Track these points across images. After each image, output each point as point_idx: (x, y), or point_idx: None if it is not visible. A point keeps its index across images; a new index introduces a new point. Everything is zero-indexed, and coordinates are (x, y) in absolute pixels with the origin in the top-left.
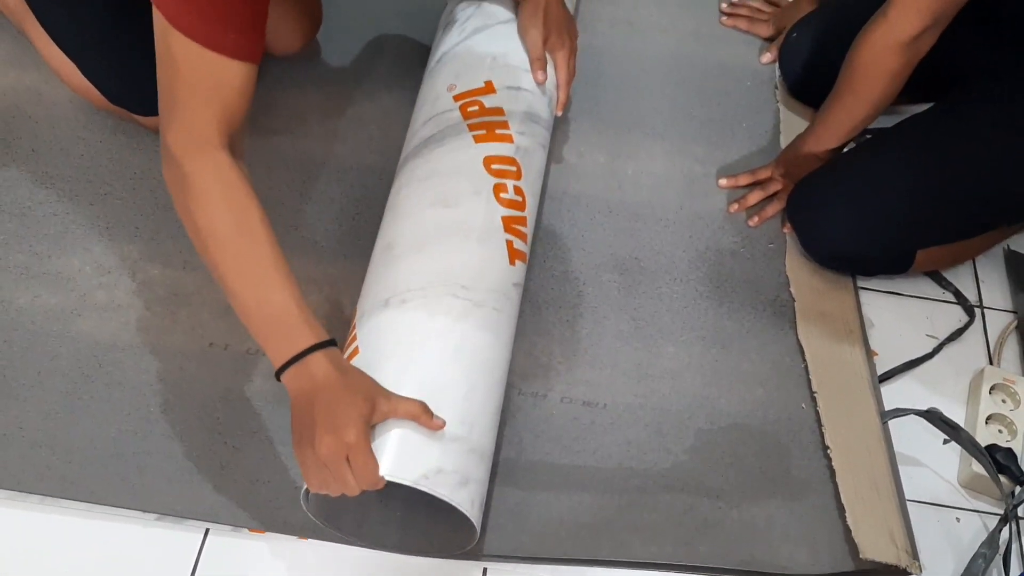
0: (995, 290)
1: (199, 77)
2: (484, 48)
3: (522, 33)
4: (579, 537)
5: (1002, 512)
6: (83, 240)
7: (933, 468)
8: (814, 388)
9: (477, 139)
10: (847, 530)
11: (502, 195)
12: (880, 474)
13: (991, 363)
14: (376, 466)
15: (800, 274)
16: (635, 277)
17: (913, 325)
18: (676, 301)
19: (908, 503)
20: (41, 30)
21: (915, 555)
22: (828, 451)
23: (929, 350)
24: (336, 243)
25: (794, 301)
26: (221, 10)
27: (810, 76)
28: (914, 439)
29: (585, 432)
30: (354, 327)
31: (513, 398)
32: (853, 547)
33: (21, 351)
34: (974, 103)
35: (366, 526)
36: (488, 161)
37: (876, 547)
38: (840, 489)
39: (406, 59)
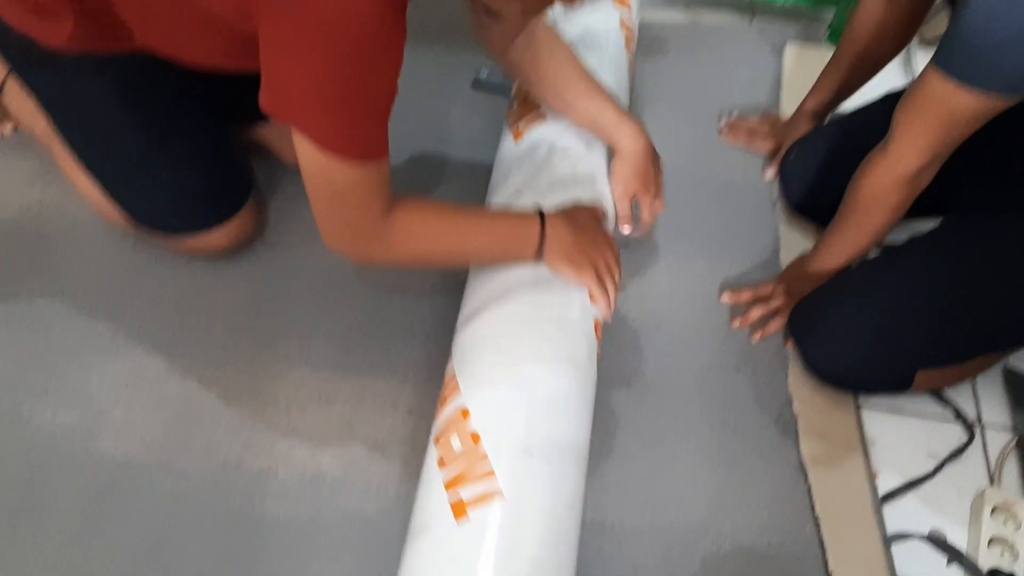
0: (994, 407)
1: (369, 183)
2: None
3: (612, 185)
4: None
5: None
6: (102, 356)
7: None
8: (817, 512)
9: None
10: None
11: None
12: None
13: (992, 482)
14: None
15: (802, 391)
16: (641, 394)
17: (914, 444)
18: (680, 419)
19: None
20: (67, 154)
21: None
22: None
23: (930, 469)
24: (345, 358)
25: (797, 419)
26: (376, 130)
27: (809, 197)
28: (918, 560)
29: (592, 559)
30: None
31: None
32: None
33: (39, 470)
34: (978, 225)
35: None
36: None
37: None
38: None
39: (427, 164)
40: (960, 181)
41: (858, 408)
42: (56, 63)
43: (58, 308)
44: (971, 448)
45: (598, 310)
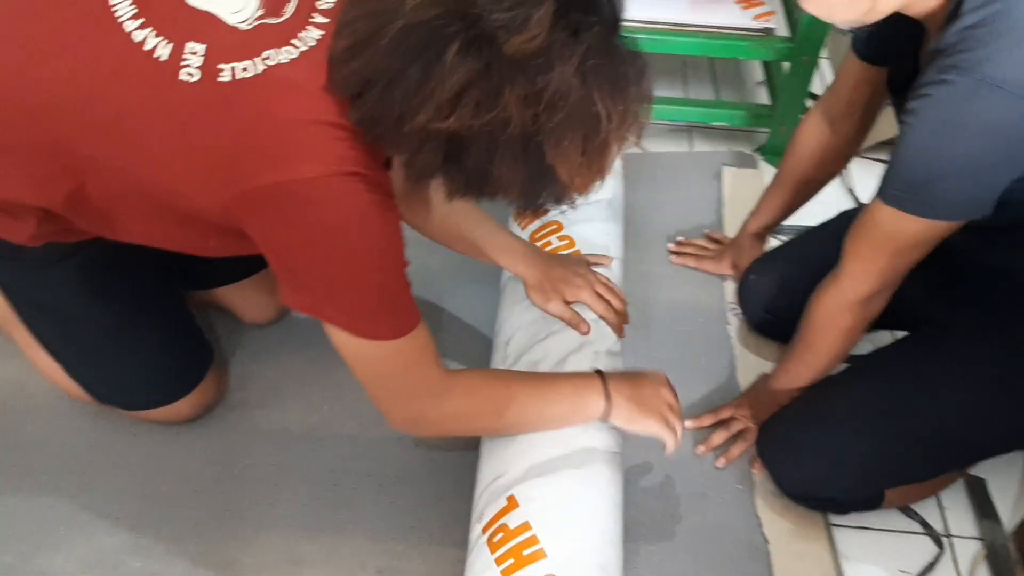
0: (960, 517)
1: (415, 351)
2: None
3: (543, 308)
4: None
5: None
6: (66, 535)
7: None
8: None
9: None
10: None
11: None
12: None
13: None
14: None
15: (772, 514)
16: None
17: (886, 560)
18: (654, 555)
19: None
20: (26, 333)
21: None
22: None
23: None
24: (312, 518)
25: (768, 543)
26: (404, 303)
27: (771, 316)
28: None
29: None
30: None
31: None
32: None
33: None
34: (939, 344)
35: None
36: None
37: None
38: None
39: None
40: (917, 301)
41: (829, 528)
42: (19, 254)
43: (20, 486)
44: (942, 561)
45: (667, 446)
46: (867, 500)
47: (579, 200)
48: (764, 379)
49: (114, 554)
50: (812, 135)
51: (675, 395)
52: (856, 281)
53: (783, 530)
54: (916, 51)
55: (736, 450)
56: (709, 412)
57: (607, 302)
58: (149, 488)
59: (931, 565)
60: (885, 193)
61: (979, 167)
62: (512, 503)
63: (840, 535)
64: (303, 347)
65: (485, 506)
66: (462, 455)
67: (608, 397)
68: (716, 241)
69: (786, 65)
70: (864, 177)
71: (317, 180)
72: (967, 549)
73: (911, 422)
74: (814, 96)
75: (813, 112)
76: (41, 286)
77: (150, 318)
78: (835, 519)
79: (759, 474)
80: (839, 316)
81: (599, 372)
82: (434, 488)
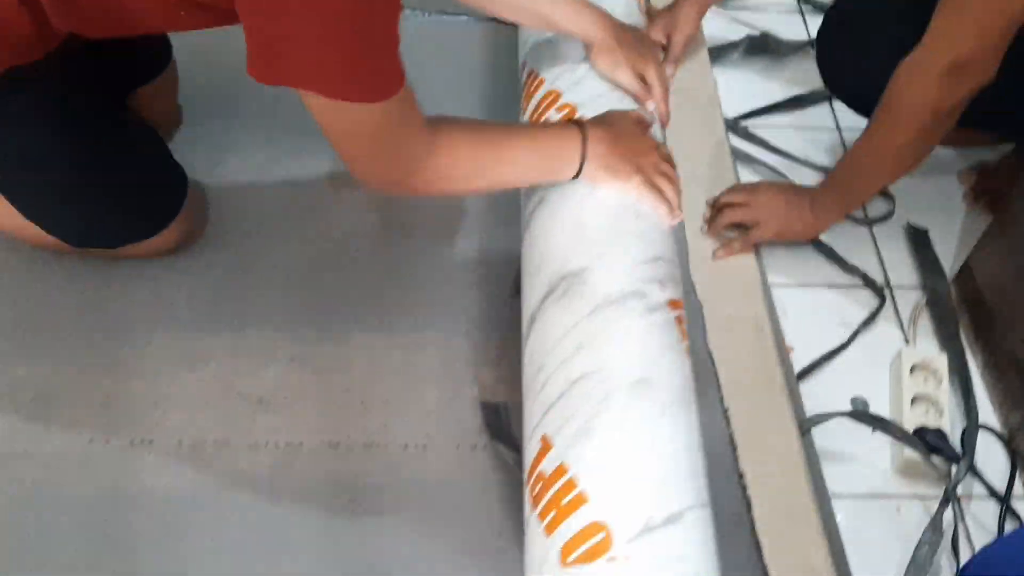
0: (900, 268)
1: (397, 117)
2: None
3: (611, 76)
4: None
5: (942, 494)
6: None
7: (866, 460)
8: (726, 404)
9: None
10: (765, 570)
11: None
12: (798, 500)
13: (907, 343)
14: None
15: (704, 276)
16: None
17: (825, 315)
18: None
19: (844, 500)
20: None
21: None
22: (743, 478)
23: (845, 339)
24: (222, 308)
25: (702, 307)
26: (386, 65)
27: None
28: (843, 433)
29: None
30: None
31: None
32: None
33: None
34: None
35: None
36: None
37: None
38: (756, 523)
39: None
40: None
41: (767, 286)
42: None
43: None
44: (883, 312)
45: (660, 216)
46: None
47: None
48: (784, 187)
49: None
50: None
51: (667, 157)
52: (950, 41)
53: (717, 292)
54: None
55: (739, 244)
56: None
57: (664, 91)
58: (28, 295)
59: (872, 316)
60: None
61: None
62: (545, 445)
63: (779, 293)
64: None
65: (525, 454)
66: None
67: (583, 147)
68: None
69: None
70: None
71: None
72: (908, 299)
73: None
74: None
75: None
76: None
77: (120, 146)
78: (772, 277)
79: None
80: (926, 88)
81: (579, 124)
82: (343, 279)
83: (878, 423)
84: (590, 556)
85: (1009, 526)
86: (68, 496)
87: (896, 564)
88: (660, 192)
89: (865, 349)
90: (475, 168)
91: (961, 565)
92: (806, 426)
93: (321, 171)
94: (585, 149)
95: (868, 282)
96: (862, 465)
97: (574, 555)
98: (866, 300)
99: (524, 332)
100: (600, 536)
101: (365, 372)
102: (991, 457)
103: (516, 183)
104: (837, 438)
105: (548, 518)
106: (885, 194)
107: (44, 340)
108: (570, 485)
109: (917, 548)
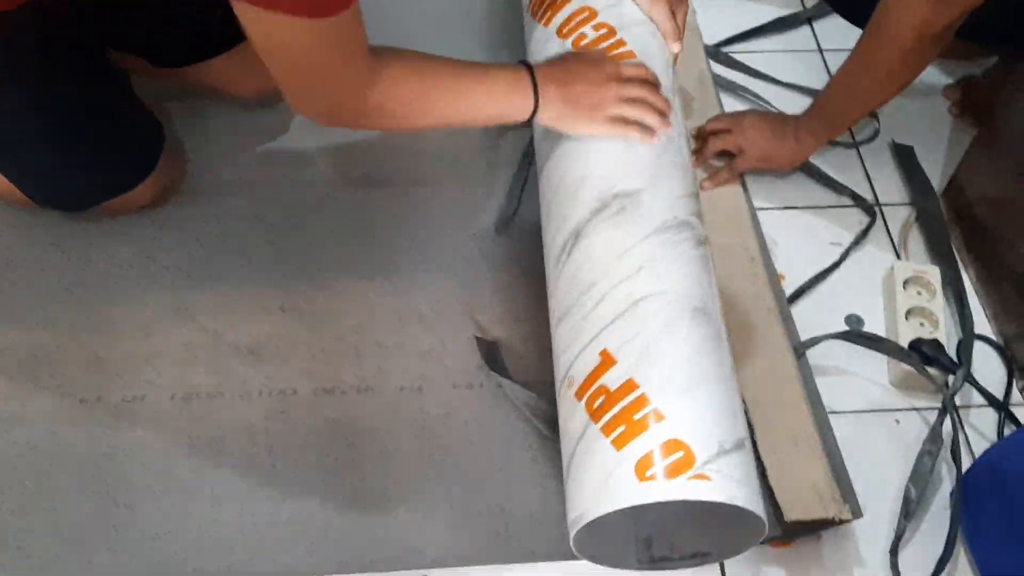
0: (889, 185)
1: (337, 42)
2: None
3: (646, 6)
4: None
5: (940, 405)
6: None
7: (864, 375)
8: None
9: None
10: (771, 491)
11: None
12: (797, 420)
13: (899, 257)
14: (642, 64)
15: None
16: None
17: (815, 237)
18: None
19: (844, 415)
20: None
21: (847, 498)
22: (743, 404)
23: (836, 258)
24: (203, 267)
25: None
26: None
27: None
28: (839, 350)
29: None
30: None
31: None
32: (779, 510)
33: None
34: None
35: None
36: None
37: (800, 505)
38: (759, 447)
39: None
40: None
41: (754, 213)
42: None
43: None
44: (874, 230)
45: (644, 140)
46: None
47: None
48: (768, 114)
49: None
50: None
51: (643, 78)
52: None
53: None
54: None
55: (726, 173)
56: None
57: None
58: (10, 257)
59: (864, 233)
60: None
61: None
62: (607, 359)
63: (767, 218)
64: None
65: (572, 366)
66: (352, 192)
67: (535, 98)
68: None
69: None
70: None
71: None
72: (899, 216)
73: None
74: None
75: None
76: None
77: (96, 99)
78: (759, 203)
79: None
80: (910, 8)
81: (528, 67)
82: (329, 227)
83: (872, 342)
84: (671, 472)
85: (1008, 432)
86: (65, 455)
87: (897, 476)
88: (630, 123)
89: (858, 267)
90: (420, 106)
91: (962, 472)
92: (801, 349)
93: (298, 116)
94: (537, 93)
95: (858, 200)
96: (859, 381)
97: (652, 470)
98: (856, 219)
99: (560, 246)
100: (680, 454)
101: (357, 318)
102: (987, 366)
103: (463, 123)
104: (833, 356)
105: (617, 432)
106: (871, 114)
107: (30, 301)
108: (642, 401)
109: (919, 458)
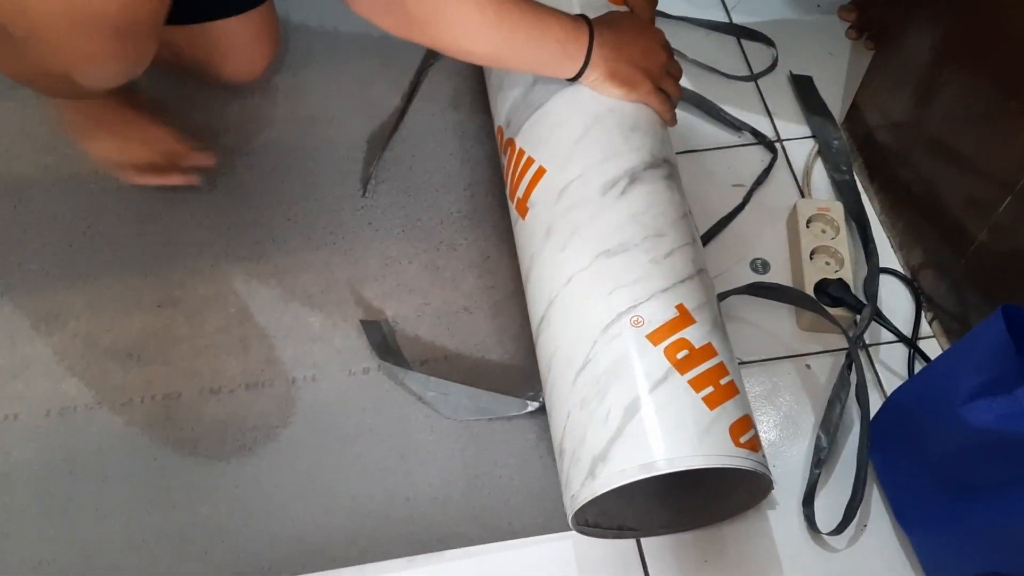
0: (789, 119)
1: None
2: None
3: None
4: None
5: (847, 346)
6: None
7: (771, 323)
8: None
9: None
10: None
11: None
12: None
13: (802, 195)
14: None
15: None
16: None
17: (717, 178)
18: None
19: (754, 364)
20: None
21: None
22: None
23: (740, 200)
24: (71, 266)
25: None
26: None
27: None
28: (745, 300)
29: None
30: None
31: None
32: None
33: None
34: None
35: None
36: None
37: None
38: None
39: None
40: None
41: None
42: None
43: None
44: (777, 168)
45: (664, 120)
46: None
47: None
48: None
49: None
50: None
51: (670, 54)
52: None
53: None
54: None
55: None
56: None
57: None
58: None
59: (766, 172)
60: None
61: None
62: (686, 316)
63: None
64: None
65: (640, 306)
66: (220, 170)
67: (586, 60)
68: None
69: None
70: None
71: None
72: (802, 149)
73: None
74: None
75: None
76: None
77: None
78: None
79: None
80: None
81: (588, 25)
82: (200, 212)
83: (776, 292)
84: (755, 445)
85: (919, 368)
86: None
87: (810, 423)
88: (665, 96)
89: (761, 208)
90: (482, 34)
91: (869, 416)
92: None
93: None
94: (590, 52)
95: (759, 138)
96: (769, 328)
97: (745, 437)
98: (759, 158)
99: (610, 181)
100: (753, 432)
101: (240, 307)
102: (897, 300)
103: (509, 66)
104: (740, 306)
105: (706, 391)
106: (768, 42)
107: None
108: (722, 369)
109: (828, 405)
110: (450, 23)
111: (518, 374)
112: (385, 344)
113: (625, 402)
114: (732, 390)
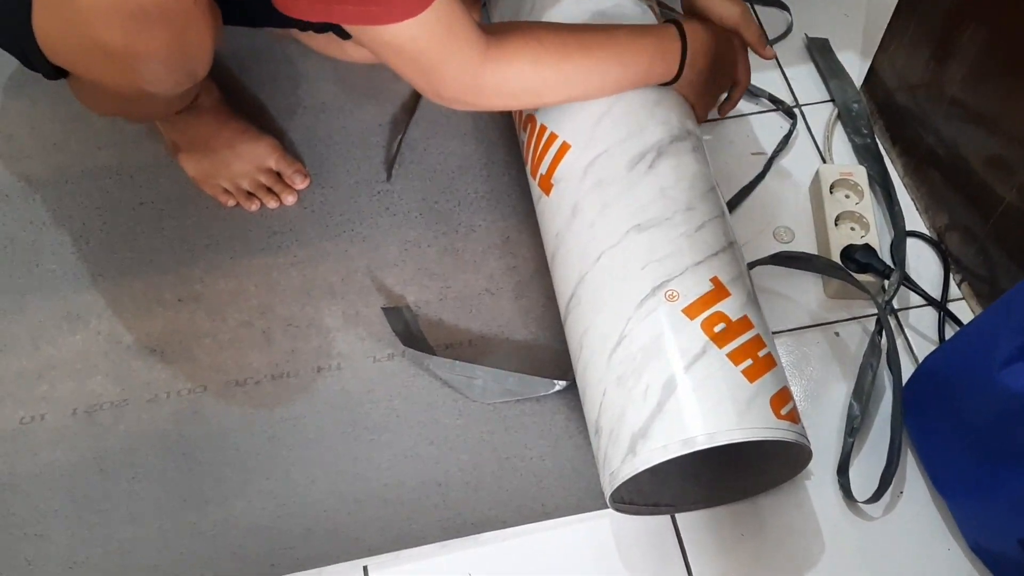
0: (807, 84)
1: (438, 32)
2: None
3: (725, 16)
4: None
5: (876, 312)
6: None
7: (799, 291)
8: None
9: None
10: None
11: None
12: None
13: (824, 161)
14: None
15: None
16: None
17: (736, 147)
18: None
19: (782, 334)
20: None
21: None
22: None
23: (760, 169)
24: (89, 265)
25: None
26: None
27: None
28: (771, 268)
29: None
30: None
31: None
32: None
33: None
34: None
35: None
36: None
37: None
38: None
39: None
40: None
41: None
42: None
43: None
44: (797, 134)
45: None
46: None
47: None
48: None
49: None
50: None
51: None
52: None
53: None
54: None
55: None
56: None
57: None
58: None
59: (786, 139)
60: None
61: None
62: (720, 289)
63: None
64: None
65: (673, 280)
66: None
67: (679, 70)
68: None
69: None
70: None
71: None
72: (820, 114)
73: None
74: None
75: None
76: None
77: None
78: None
79: None
80: None
81: (681, 33)
82: (215, 206)
83: (804, 262)
84: (795, 417)
85: (949, 331)
86: None
87: (843, 392)
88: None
89: (783, 175)
90: (540, 83)
91: (902, 381)
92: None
93: None
94: (683, 65)
95: (777, 104)
96: (798, 296)
97: (785, 409)
98: (778, 124)
99: (637, 155)
100: (792, 404)
101: (262, 299)
102: (924, 263)
103: (599, 95)
104: (767, 276)
105: (745, 364)
106: (782, 6)
107: None
108: (759, 342)
109: (860, 372)
110: (511, 93)
111: (544, 354)
112: (408, 330)
113: (663, 378)
114: (770, 362)
